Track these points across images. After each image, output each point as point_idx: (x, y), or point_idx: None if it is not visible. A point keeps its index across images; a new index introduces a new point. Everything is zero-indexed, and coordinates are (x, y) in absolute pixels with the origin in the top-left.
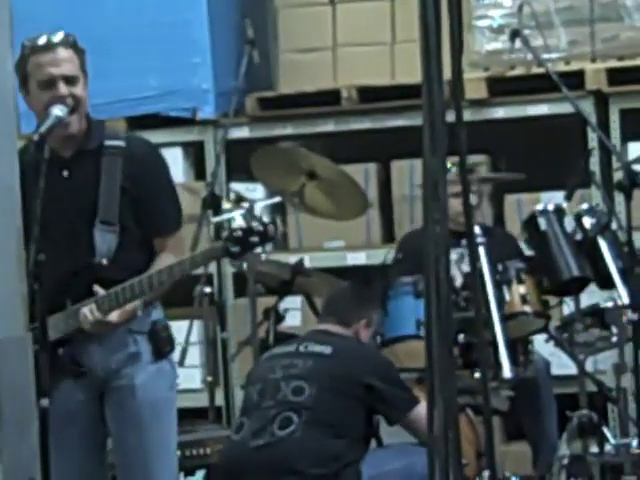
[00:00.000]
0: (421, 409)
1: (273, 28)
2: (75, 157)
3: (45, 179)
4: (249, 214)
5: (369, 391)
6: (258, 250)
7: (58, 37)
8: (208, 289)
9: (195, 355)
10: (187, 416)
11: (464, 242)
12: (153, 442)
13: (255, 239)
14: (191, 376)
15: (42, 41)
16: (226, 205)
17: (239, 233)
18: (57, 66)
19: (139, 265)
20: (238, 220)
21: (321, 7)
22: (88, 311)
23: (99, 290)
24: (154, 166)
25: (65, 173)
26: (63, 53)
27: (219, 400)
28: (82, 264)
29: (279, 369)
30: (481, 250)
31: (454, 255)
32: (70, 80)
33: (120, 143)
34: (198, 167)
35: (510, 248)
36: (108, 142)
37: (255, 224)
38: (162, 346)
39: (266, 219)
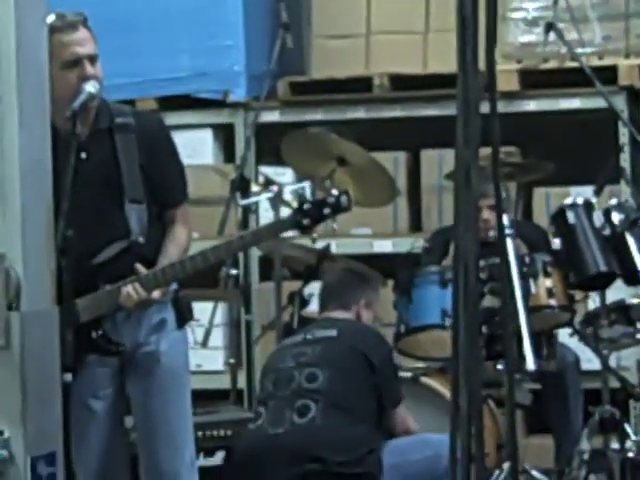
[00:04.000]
0: (403, 409)
1: (307, 13)
2: (91, 138)
3: (67, 160)
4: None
5: (373, 371)
6: (329, 221)
7: (74, 16)
8: (234, 271)
9: (218, 337)
10: (209, 397)
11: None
12: (175, 408)
13: (327, 210)
14: (214, 358)
15: (61, 20)
16: (255, 188)
17: (309, 205)
18: (82, 45)
19: (161, 239)
20: (308, 192)
21: None
22: (132, 290)
23: (141, 269)
24: (164, 139)
25: (83, 155)
26: (85, 32)
27: (241, 383)
28: (121, 244)
29: (290, 358)
30: (509, 242)
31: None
32: (93, 59)
33: (130, 120)
34: (228, 150)
35: (539, 241)
36: (118, 120)
37: (327, 196)
38: (185, 313)
39: (337, 191)
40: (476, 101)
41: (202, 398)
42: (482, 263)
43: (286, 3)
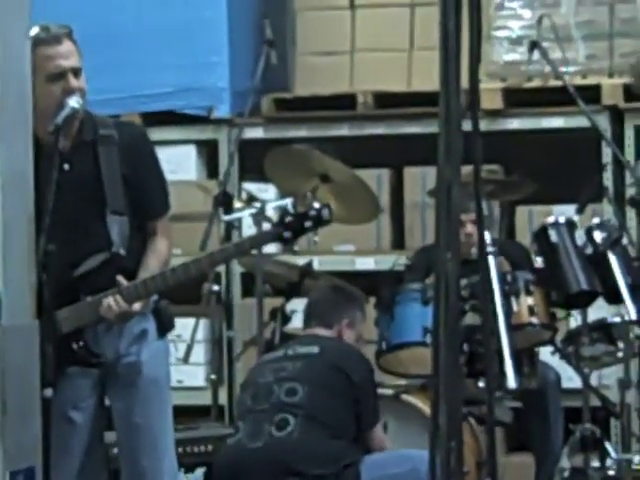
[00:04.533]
0: (380, 429)
1: (292, 30)
2: (74, 149)
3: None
4: (299, 200)
5: (353, 389)
6: (311, 235)
7: (58, 29)
8: (216, 287)
9: (200, 353)
10: (190, 413)
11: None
12: (157, 418)
13: (309, 223)
14: (195, 374)
15: (45, 33)
16: (237, 204)
17: (291, 218)
18: (66, 58)
19: (142, 251)
20: (290, 205)
21: (341, 11)
22: (113, 302)
23: (122, 281)
24: (146, 151)
25: (66, 166)
26: (69, 45)
27: (222, 399)
28: (103, 256)
29: (270, 373)
30: (491, 260)
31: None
32: (77, 72)
33: (112, 131)
34: (211, 165)
35: (521, 259)
36: (101, 132)
37: (309, 209)
38: (166, 323)
39: (318, 204)
40: (458, 119)
41: (183, 414)
42: (464, 281)
43: (271, 20)
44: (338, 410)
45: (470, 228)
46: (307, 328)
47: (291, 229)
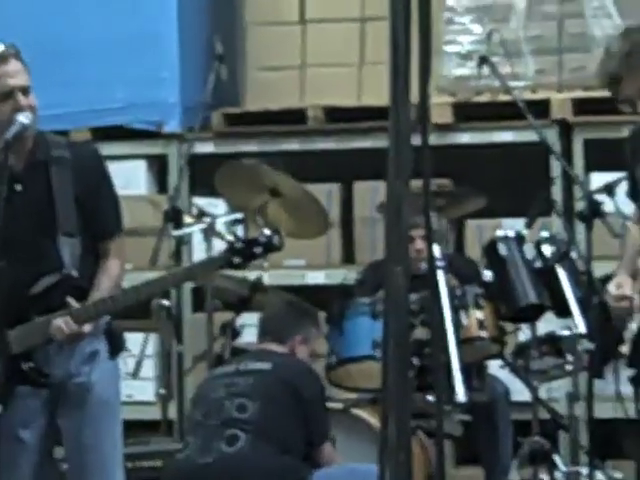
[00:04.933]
0: (329, 446)
1: (242, 45)
2: (26, 170)
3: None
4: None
5: (303, 406)
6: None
7: (4, 49)
8: (166, 302)
9: (150, 368)
10: (139, 428)
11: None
12: (106, 438)
13: (259, 250)
14: (145, 389)
15: None
16: (188, 219)
17: (241, 244)
18: (14, 77)
19: (94, 271)
20: (240, 230)
21: (291, 26)
22: (63, 323)
23: (73, 302)
24: (99, 172)
25: (18, 187)
26: (17, 64)
27: (172, 414)
28: (54, 278)
29: (221, 388)
30: (440, 274)
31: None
32: (26, 91)
33: (65, 152)
34: (161, 180)
35: (470, 273)
36: (54, 152)
37: (258, 235)
38: (117, 344)
39: (269, 231)
40: (408, 133)
41: (132, 429)
42: (414, 296)
43: (221, 35)
44: (288, 426)
45: (420, 244)
46: (261, 343)
47: (241, 255)
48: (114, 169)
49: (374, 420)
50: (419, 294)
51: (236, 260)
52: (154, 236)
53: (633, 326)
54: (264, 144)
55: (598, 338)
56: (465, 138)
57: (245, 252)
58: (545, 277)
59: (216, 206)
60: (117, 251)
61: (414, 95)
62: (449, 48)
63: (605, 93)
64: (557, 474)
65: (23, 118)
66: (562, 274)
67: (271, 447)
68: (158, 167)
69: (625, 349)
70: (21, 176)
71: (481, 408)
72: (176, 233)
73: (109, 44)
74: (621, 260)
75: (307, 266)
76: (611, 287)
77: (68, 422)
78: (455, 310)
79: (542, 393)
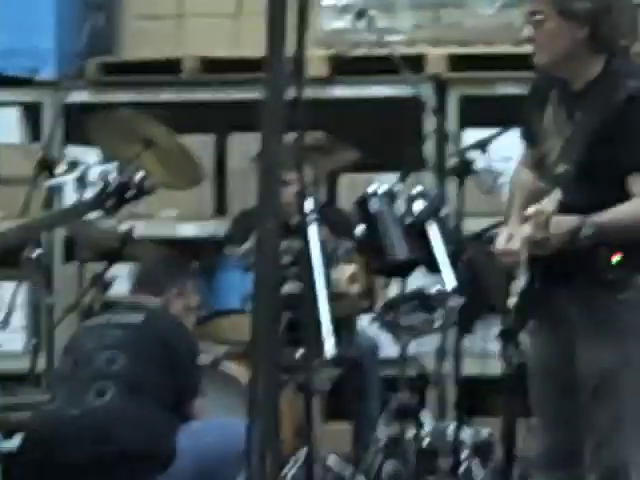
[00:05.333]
0: (200, 401)
1: None
2: None
3: None
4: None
5: (174, 360)
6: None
7: None
8: (37, 251)
9: (19, 318)
10: (7, 379)
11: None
12: None
13: (131, 193)
14: (14, 339)
15: None
16: (60, 168)
17: (113, 188)
18: None
19: None
20: (112, 174)
21: None
22: None
23: None
24: None
25: None
26: None
27: (41, 365)
28: None
29: (91, 340)
30: (313, 227)
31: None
32: None
33: None
34: (35, 129)
35: (343, 227)
36: None
37: (131, 178)
38: None
39: (142, 173)
40: (283, 86)
41: (1, 380)
42: (285, 243)
43: None
44: (158, 381)
45: (295, 188)
46: (135, 294)
47: (113, 199)
48: None
49: (243, 374)
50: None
51: (108, 203)
52: (26, 185)
53: (521, 280)
54: (139, 94)
55: (467, 294)
56: (340, 92)
57: (117, 195)
58: (416, 233)
59: (90, 155)
60: None
61: (290, 47)
62: (326, 1)
63: (481, 49)
64: (424, 430)
65: None
66: (433, 230)
67: (140, 401)
68: (32, 115)
69: (512, 302)
70: None
71: (350, 363)
72: (48, 183)
73: None
74: (511, 206)
75: (179, 217)
76: (500, 240)
77: None
78: (326, 264)
79: (411, 349)
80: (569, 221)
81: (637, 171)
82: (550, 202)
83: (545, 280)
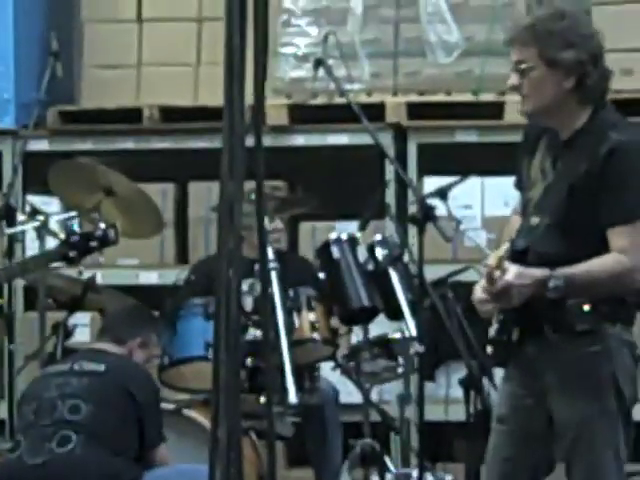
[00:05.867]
0: (164, 448)
1: (78, 42)
2: None
3: None
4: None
5: (137, 409)
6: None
7: None
8: None
9: None
10: None
11: (257, 268)
12: None
13: (94, 243)
14: None
15: None
16: (21, 217)
17: (76, 237)
18: None
19: None
20: (76, 225)
21: (128, 24)
22: None
23: None
24: None
25: None
26: None
27: (2, 413)
28: None
29: (54, 388)
30: (273, 275)
31: (245, 286)
32: None
33: None
34: None
35: (305, 275)
36: None
37: (95, 229)
38: None
39: (104, 225)
40: (242, 135)
41: None
42: (249, 281)
43: (57, 32)
44: (121, 429)
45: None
46: (98, 341)
47: (76, 249)
48: None
49: (206, 421)
50: (249, 280)
51: (71, 254)
52: None
53: (493, 328)
54: (99, 142)
55: (429, 341)
56: (300, 140)
57: (80, 246)
58: (378, 280)
59: (50, 204)
60: None
61: (250, 96)
62: (285, 50)
63: (439, 98)
64: (388, 476)
65: None
66: (394, 277)
67: (103, 449)
68: None
69: (489, 349)
70: None
71: (311, 410)
72: (9, 231)
73: None
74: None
75: (141, 266)
76: (476, 288)
77: None
78: (288, 311)
79: (374, 395)
80: (536, 273)
81: (615, 225)
82: (493, 256)
83: (515, 329)
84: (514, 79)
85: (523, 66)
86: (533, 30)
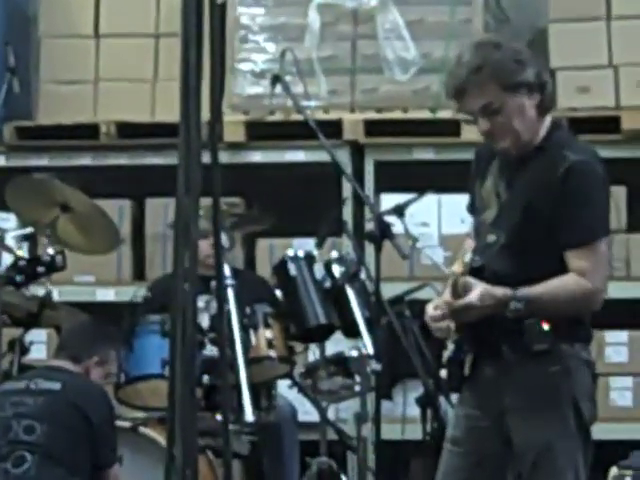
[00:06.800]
0: (117, 468)
1: (35, 57)
2: None
3: None
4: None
5: (91, 429)
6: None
7: None
8: None
9: None
10: None
11: (213, 285)
12: None
13: (42, 269)
14: None
15: None
16: None
17: (24, 262)
18: None
19: None
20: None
21: (85, 40)
22: None
23: None
24: None
25: None
26: None
27: None
28: None
29: (9, 407)
30: (229, 292)
31: (201, 303)
32: None
33: None
34: None
35: (261, 292)
36: None
37: (42, 254)
38: None
39: (52, 250)
40: (198, 151)
41: None
42: (205, 297)
43: (14, 47)
44: (76, 449)
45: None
46: (54, 358)
47: (24, 273)
48: None
49: (162, 439)
50: (204, 297)
51: (18, 279)
52: None
53: (449, 348)
54: (56, 158)
55: (386, 359)
56: (257, 157)
57: (28, 271)
58: (334, 297)
59: (7, 220)
60: None
61: (206, 113)
62: (243, 66)
63: (396, 115)
64: None
65: None
66: (351, 294)
67: (58, 470)
68: None
69: (444, 373)
70: None
71: (268, 428)
72: None
73: None
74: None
75: (97, 282)
76: (428, 307)
77: None
78: (244, 329)
79: (331, 413)
80: (498, 293)
81: (574, 247)
82: (457, 263)
83: (469, 357)
84: (485, 125)
85: (494, 107)
86: (483, 69)
